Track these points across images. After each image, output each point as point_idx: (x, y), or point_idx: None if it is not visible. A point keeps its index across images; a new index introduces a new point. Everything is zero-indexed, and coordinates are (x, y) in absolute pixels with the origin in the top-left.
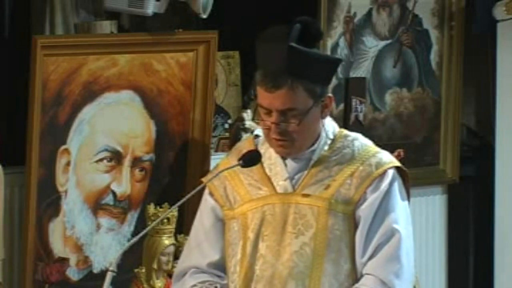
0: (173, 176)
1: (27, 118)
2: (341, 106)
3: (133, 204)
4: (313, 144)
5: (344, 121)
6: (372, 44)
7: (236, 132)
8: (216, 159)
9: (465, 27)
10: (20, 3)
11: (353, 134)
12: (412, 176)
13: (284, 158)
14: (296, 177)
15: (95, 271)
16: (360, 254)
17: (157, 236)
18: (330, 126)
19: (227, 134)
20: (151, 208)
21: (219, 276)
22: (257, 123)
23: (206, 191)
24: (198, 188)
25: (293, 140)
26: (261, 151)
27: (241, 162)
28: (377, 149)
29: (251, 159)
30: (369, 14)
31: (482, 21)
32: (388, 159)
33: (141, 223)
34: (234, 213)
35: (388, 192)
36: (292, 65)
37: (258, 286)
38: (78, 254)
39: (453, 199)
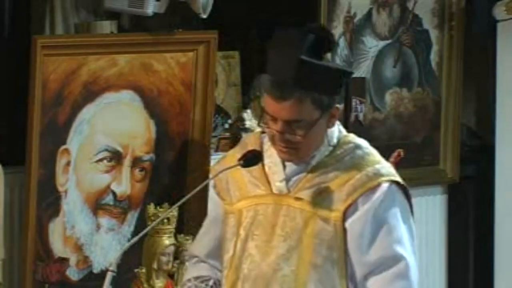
0: (173, 176)
1: (27, 118)
2: (341, 106)
3: (133, 204)
4: (314, 150)
5: (344, 121)
6: (372, 44)
7: (236, 132)
8: (216, 159)
9: (465, 27)
10: (20, 3)
11: (357, 141)
12: (412, 176)
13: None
14: (293, 179)
15: (95, 271)
16: (360, 257)
17: (157, 236)
18: (335, 131)
19: (227, 134)
20: (151, 208)
21: (214, 266)
22: (262, 127)
23: (212, 183)
24: (198, 188)
25: (297, 148)
26: (265, 147)
27: (241, 162)
28: (379, 159)
29: (251, 159)
30: (369, 14)
31: (482, 21)
32: (386, 171)
33: (141, 223)
34: (232, 208)
35: (381, 206)
36: (301, 77)
37: (245, 286)
38: (78, 254)
39: (453, 199)
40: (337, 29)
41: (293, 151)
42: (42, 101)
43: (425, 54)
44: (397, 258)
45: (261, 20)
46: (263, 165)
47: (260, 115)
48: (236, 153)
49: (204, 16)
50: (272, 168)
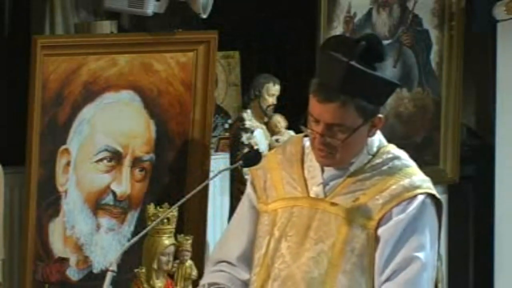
0: (173, 176)
1: (27, 118)
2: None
3: (133, 204)
4: (353, 157)
5: None
6: None
7: (236, 132)
8: (216, 159)
9: (465, 27)
10: (20, 3)
11: (397, 152)
12: None
13: None
14: (330, 184)
15: (95, 271)
16: (378, 272)
17: (157, 236)
18: (375, 140)
19: (227, 134)
20: (151, 208)
21: (242, 271)
22: (305, 130)
23: (250, 178)
24: (198, 188)
25: (335, 153)
26: (306, 150)
27: (241, 162)
28: (416, 171)
29: (251, 158)
30: (369, 14)
31: (482, 21)
32: (424, 184)
33: (141, 223)
34: (267, 208)
35: (414, 217)
36: (348, 83)
37: (275, 285)
38: (78, 254)
39: (453, 199)
40: (337, 29)
41: (331, 155)
42: (42, 101)
43: (425, 54)
44: (412, 260)
45: (261, 20)
46: (302, 168)
47: (305, 117)
48: (277, 153)
49: (204, 16)
50: (311, 172)
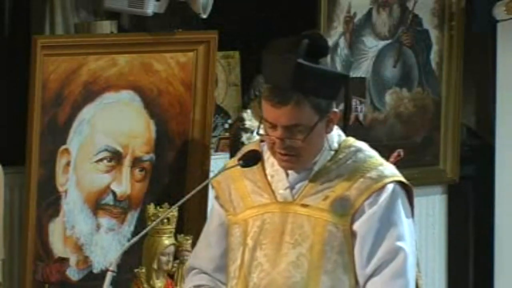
0: (173, 176)
1: (27, 118)
2: (341, 106)
3: (133, 204)
4: (315, 156)
5: (344, 121)
6: (372, 44)
7: (236, 132)
8: (216, 159)
9: (465, 27)
10: (20, 3)
11: (358, 145)
12: (412, 176)
13: None
14: (297, 186)
15: (95, 271)
16: (361, 266)
17: (157, 236)
18: (335, 136)
19: (227, 134)
20: (151, 208)
21: (220, 281)
22: (261, 136)
23: (214, 193)
24: (198, 188)
25: (298, 155)
26: (265, 155)
27: (241, 162)
28: (381, 161)
29: (251, 159)
30: (369, 14)
31: (482, 21)
32: (390, 173)
33: (141, 223)
34: (237, 218)
35: (387, 207)
36: (299, 81)
37: None
38: (78, 254)
39: (453, 199)
40: (337, 29)
41: (294, 158)
42: (42, 101)
43: (425, 54)
44: (396, 252)
45: (261, 20)
46: (265, 174)
47: (259, 125)
48: (236, 161)
49: (204, 16)
50: (274, 177)
